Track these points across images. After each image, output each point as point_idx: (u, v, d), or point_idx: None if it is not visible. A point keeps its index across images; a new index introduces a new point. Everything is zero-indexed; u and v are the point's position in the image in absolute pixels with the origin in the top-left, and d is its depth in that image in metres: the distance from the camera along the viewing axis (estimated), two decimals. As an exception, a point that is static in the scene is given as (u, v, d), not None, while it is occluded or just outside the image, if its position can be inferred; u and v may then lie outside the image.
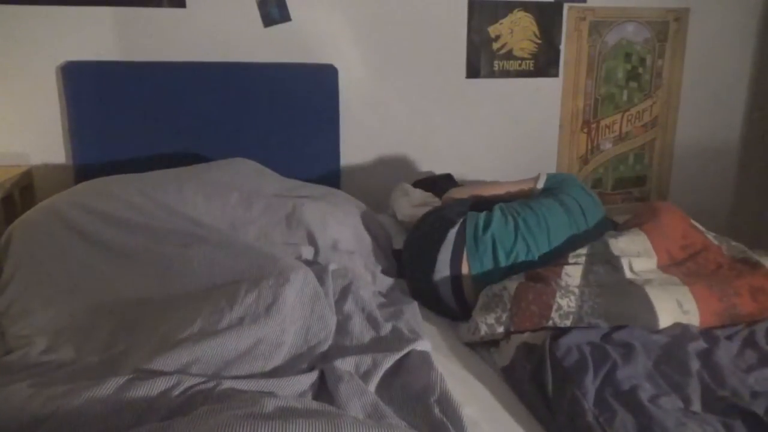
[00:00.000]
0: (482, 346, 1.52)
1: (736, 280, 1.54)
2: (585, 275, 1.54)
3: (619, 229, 1.80)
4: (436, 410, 1.16)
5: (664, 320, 1.44)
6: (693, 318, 1.46)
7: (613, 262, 1.57)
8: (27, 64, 2.22)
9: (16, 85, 2.22)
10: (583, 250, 1.61)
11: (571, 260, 1.58)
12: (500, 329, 1.46)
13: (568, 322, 1.42)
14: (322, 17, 2.45)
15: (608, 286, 1.51)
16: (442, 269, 1.64)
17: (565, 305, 1.44)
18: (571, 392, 1.22)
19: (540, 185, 1.90)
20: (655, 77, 2.92)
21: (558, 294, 1.46)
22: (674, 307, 1.46)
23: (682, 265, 1.64)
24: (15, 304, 1.50)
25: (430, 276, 1.65)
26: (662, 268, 1.62)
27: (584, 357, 1.31)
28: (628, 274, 1.55)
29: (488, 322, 1.48)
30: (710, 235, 1.77)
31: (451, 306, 1.66)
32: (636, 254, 1.61)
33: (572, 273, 1.53)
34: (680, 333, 1.42)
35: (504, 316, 1.46)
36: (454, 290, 1.64)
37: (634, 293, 1.48)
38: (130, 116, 2.26)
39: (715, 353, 1.37)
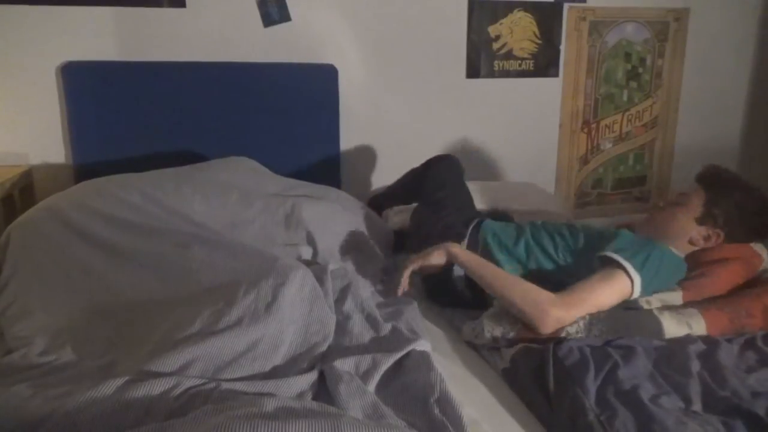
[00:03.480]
0: (482, 346, 1.51)
1: (751, 302, 1.53)
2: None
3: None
4: (436, 410, 1.16)
5: (670, 335, 1.45)
6: (699, 334, 1.46)
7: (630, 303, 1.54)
8: (27, 64, 2.22)
9: (16, 85, 2.22)
10: None
11: None
12: (504, 343, 1.45)
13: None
14: (322, 17, 2.45)
15: (617, 309, 1.50)
16: (457, 270, 1.67)
17: (573, 331, 1.42)
18: (572, 391, 1.22)
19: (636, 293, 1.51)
20: (655, 77, 2.92)
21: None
22: (683, 328, 1.46)
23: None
24: (14, 305, 1.50)
25: (447, 275, 1.68)
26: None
27: (585, 357, 1.31)
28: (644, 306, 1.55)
29: (494, 334, 1.47)
30: None
31: (466, 297, 1.69)
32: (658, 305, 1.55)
33: None
34: (681, 338, 1.43)
35: (511, 333, 1.45)
36: (468, 285, 1.67)
37: (644, 318, 1.48)
38: (130, 116, 2.26)
39: (716, 354, 1.37)
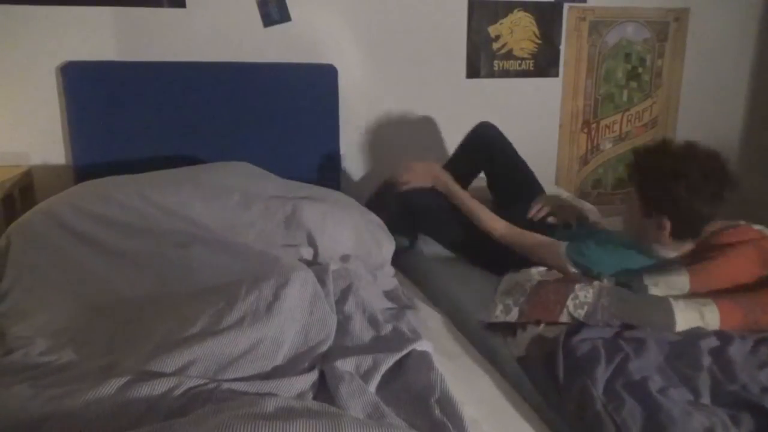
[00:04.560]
0: (493, 338, 1.53)
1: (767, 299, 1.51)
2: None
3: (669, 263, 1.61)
4: (437, 410, 1.16)
5: (682, 325, 1.44)
6: (712, 328, 1.46)
7: (635, 289, 1.54)
8: (27, 64, 2.22)
9: (16, 85, 2.22)
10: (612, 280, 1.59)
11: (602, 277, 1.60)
12: (515, 310, 1.48)
13: (581, 312, 1.42)
14: (322, 17, 2.45)
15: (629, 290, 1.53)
16: None
17: (582, 296, 1.46)
18: (581, 381, 1.23)
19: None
20: (655, 77, 2.92)
21: (578, 285, 1.48)
22: (696, 317, 1.45)
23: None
24: (16, 306, 1.50)
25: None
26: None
27: (597, 348, 1.32)
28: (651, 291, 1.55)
29: (505, 302, 1.51)
30: None
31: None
32: (666, 287, 1.54)
33: (581, 293, 1.53)
34: (693, 332, 1.43)
35: (521, 299, 1.49)
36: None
37: (656, 298, 1.48)
38: (130, 116, 2.25)
39: (728, 350, 1.37)
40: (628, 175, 1.65)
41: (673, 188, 1.50)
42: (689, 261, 1.58)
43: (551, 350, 1.35)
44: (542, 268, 1.67)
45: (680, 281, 1.52)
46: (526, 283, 1.55)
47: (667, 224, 1.55)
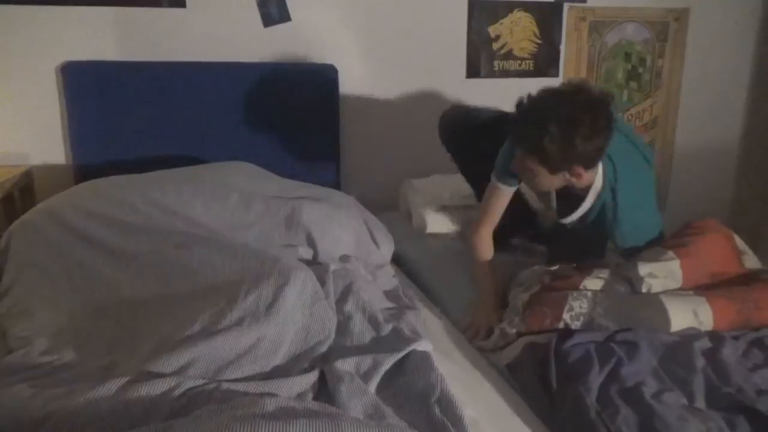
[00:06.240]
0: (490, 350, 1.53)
1: (760, 294, 1.52)
2: (603, 289, 1.54)
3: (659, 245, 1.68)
4: (437, 410, 1.16)
5: (677, 326, 1.45)
6: (706, 327, 1.46)
7: (634, 282, 1.55)
8: (27, 64, 2.22)
9: (16, 85, 2.22)
10: (607, 271, 1.59)
11: (594, 273, 1.58)
12: (512, 331, 1.48)
13: (578, 323, 1.43)
14: (322, 17, 2.45)
15: (622, 294, 1.53)
16: None
17: (577, 307, 1.45)
18: (574, 388, 1.22)
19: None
20: (655, 77, 2.92)
21: (571, 297, 1.47)
22: (690, 317, 1.46)
23: (704, 287, 1.59)
24: (16, 306, 1.50)
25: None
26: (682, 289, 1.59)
27: (589, 354, 1.32)
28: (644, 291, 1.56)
29: (500, 326, 1.52)
30: (748, 261, 1.67)
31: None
32: (663, 278, 1.57)
33: (591, 286, 1.54)
34: (686, 333, 1.43)
35: (516, 320, 1.49)
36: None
37: (649, 300, 1.49)
38: (130, 116, 2.25)
39: (721, 351, 1.37)
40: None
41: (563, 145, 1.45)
42: (670, 245, 1.64)
43: (543, 356, 1.34)
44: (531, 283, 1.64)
45: (672, 265, 1.57)
46: (518, 302, 1.53)
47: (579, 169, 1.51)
